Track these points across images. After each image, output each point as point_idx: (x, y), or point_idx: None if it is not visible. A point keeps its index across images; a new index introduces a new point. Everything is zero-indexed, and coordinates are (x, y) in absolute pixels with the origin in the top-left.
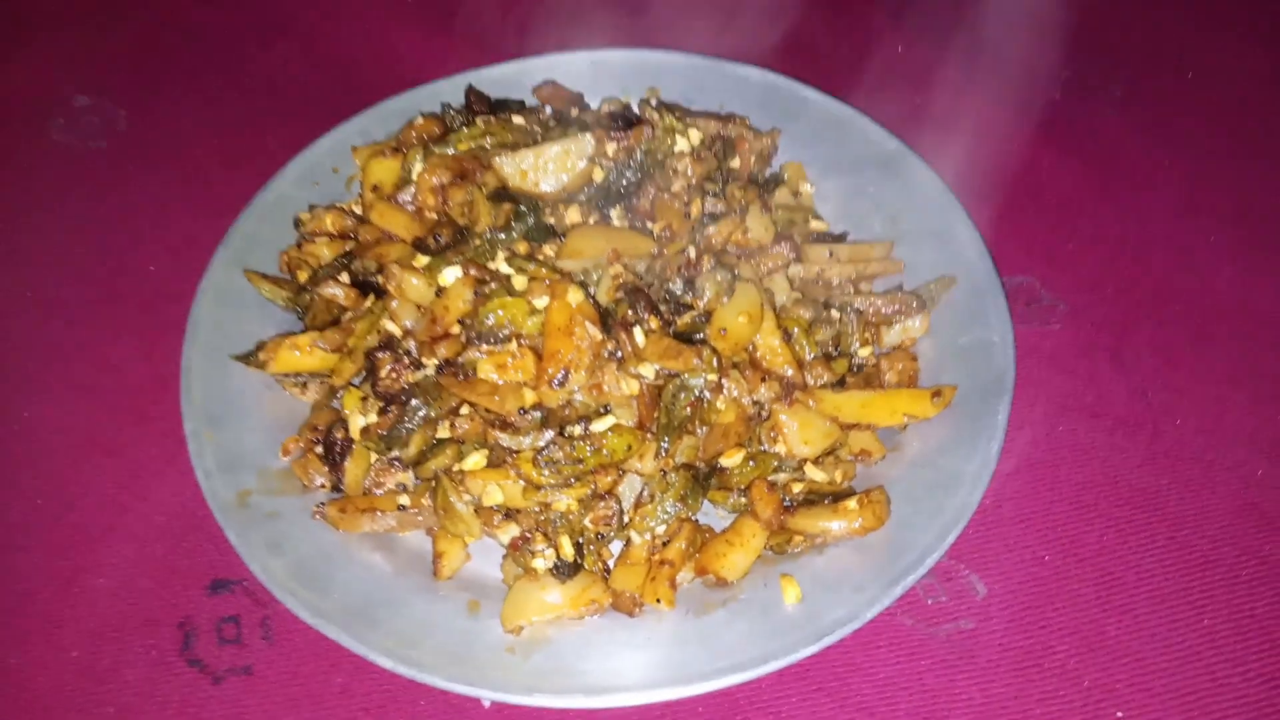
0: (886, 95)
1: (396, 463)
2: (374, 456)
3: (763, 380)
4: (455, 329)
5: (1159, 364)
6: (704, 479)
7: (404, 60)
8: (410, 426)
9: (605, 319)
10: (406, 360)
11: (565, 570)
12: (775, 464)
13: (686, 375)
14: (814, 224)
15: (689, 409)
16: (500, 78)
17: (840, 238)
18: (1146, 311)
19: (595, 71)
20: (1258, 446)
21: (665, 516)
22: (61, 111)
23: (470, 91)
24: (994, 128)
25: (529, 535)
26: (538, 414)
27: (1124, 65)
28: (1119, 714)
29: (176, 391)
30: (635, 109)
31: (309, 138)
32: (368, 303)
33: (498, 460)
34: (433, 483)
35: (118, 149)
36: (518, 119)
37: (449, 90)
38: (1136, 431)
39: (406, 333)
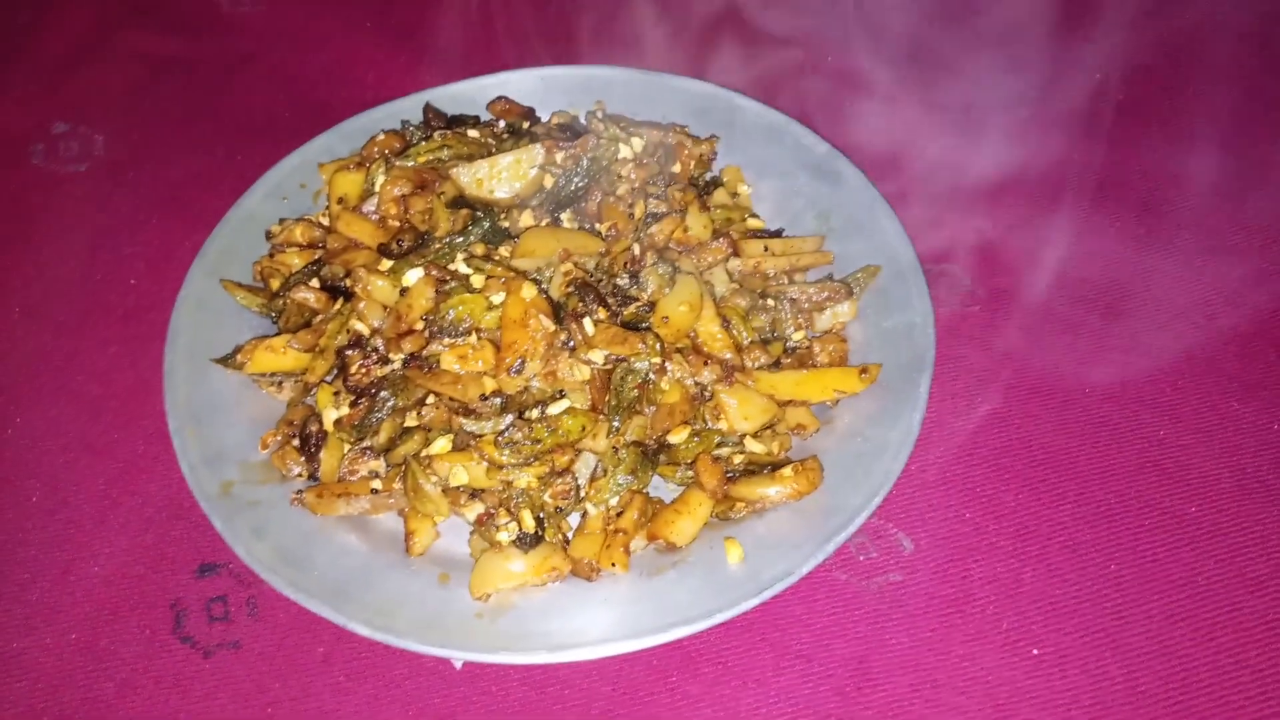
0: (812, 97)
1: (368, 451)
2: (347, 446)
3: (705, 363)
4: (419, 325)
5: (1069, 340)
6: (653, 455)
7: (365, 84)
8: (380, 416)
9: (557, 311)
10: (375, 356)
11: (527, 542)
12: (718, 439)
13: (633, 359)
14: (751, 222)
15: (636, 390)
16: (456, 95)
17: (776, 234)
18: (1057, 293)
19: (545, 87)
20: (1158, 410)
21: (618, 489)
22: (40, 138)
23: (428, 108)
24: (913, 128)
25: (493, 511)
26: (498, 400)
27: (1033, 64)
28: (1035, 651)
29: (160, 394)
30: (583, 120)
31: (276, 157)
32: (337, 305)
33: (462, 444)
34: (402, 467)
35: (96, 172)
36: (473, 132)
37: (408, 108)
38: (1048, 400)
39: (374, 331)
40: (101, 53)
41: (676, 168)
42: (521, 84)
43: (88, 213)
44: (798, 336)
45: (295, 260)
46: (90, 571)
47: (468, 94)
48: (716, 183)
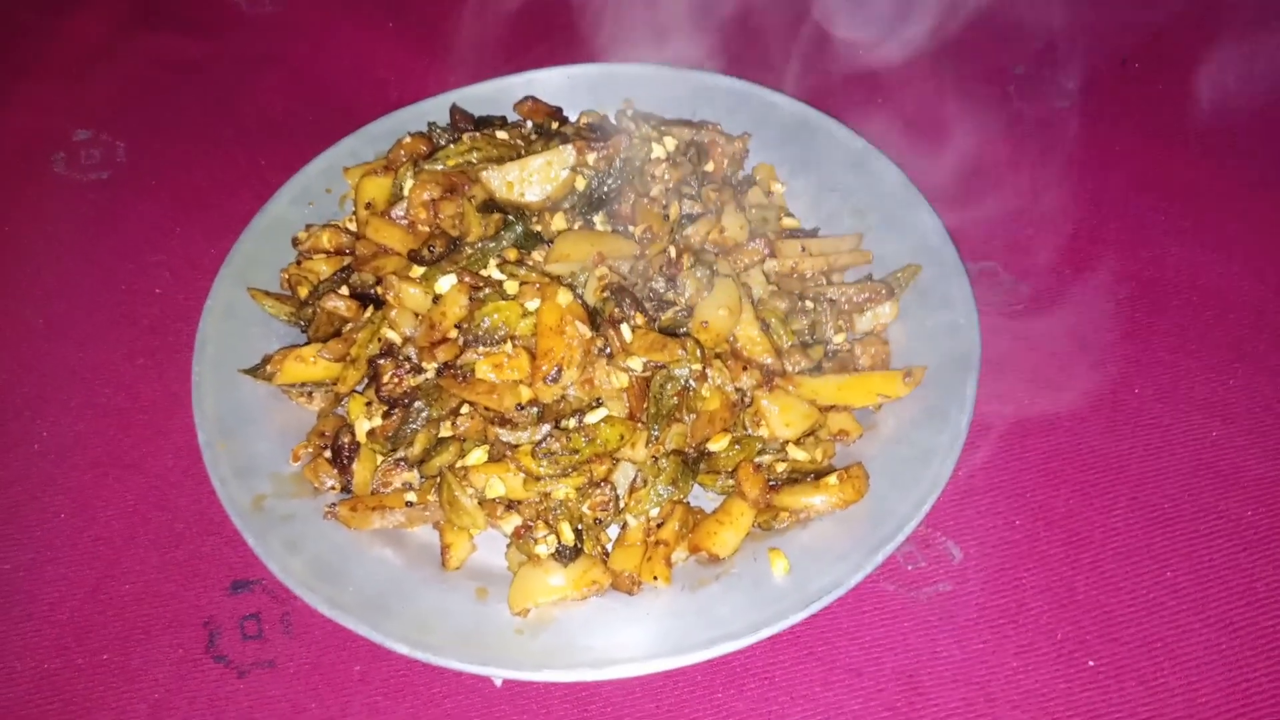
0: (847, 94)
1: (402, 462)
2: (380, 458)
3: (744, 369)
4: (452, 334)
5: (1116, 337)
6: (693, 463)
7: (387, 85)
8: (414, 427)
9: (594, 318)
10: (407, 366)
11: (567, 554)
12: (759, 446)
13: (672, 366)
14: (786, 221)
15: (676, 398)
16: (481, 95)
17: (811, 233)
18: (1103, 289)
19: (571, 85)
20: (1212, 410)
21: (658, 500)
22: (62, 146)
23: (454, 110)
24: (952, 122)
25: (531, 524)
26: (534, 410)
27: (1071, 59)
28: (1090, 662)
29: (189, 406)
30: (612, 120)
31: (301, 161)
32: (368, 313)
33: (498, 455)
34: (437, 479)
35: (118, 179)
36: (501, 134)
37: (433, 110)
38: (1098, 401)
39: (406, 340)
40: (121, 58)
41: (710, 167)
42: (548, 83)
43: (110, 221)
44: (839, 339)
45: (323, 267)
46: (121, 590)
47: (494, 94)
48: (750, 181)
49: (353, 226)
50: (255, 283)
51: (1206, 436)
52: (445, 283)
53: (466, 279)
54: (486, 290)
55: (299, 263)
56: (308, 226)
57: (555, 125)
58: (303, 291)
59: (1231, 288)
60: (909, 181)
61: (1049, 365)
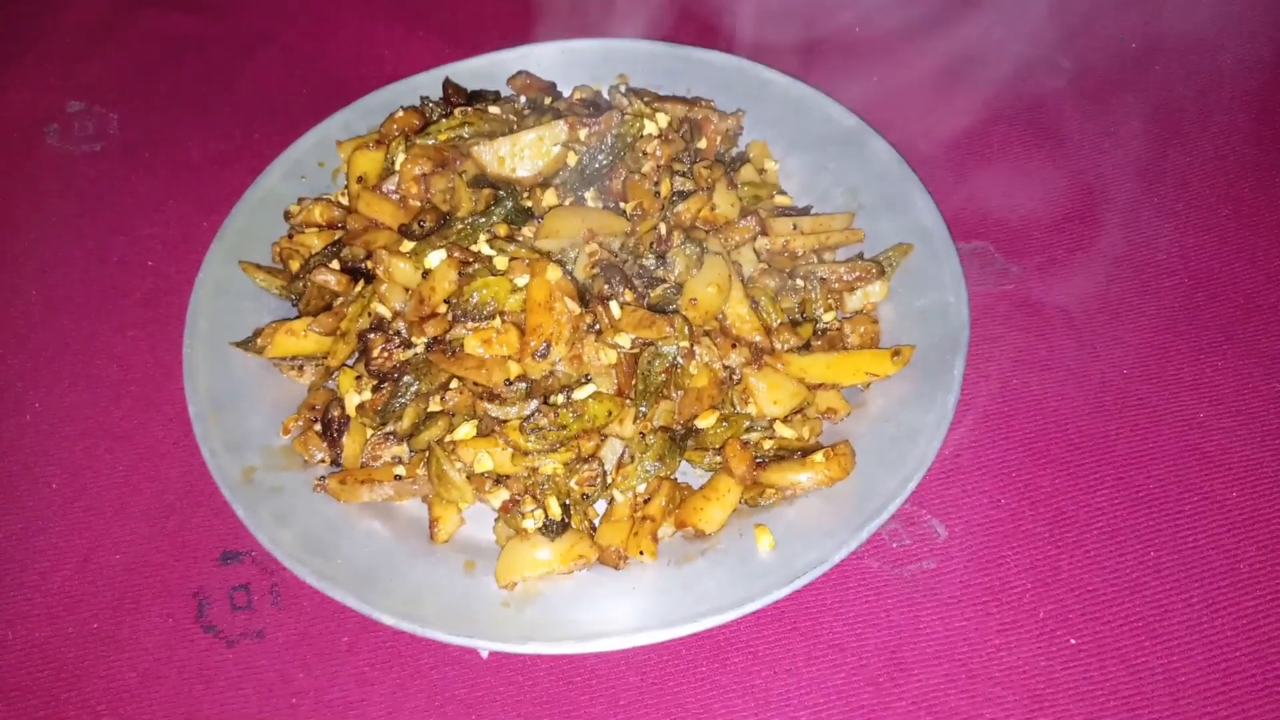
0: (846, 73)
1: (391, 436)
2: (370, 431)
3: (733, 346)
4: (442, 309)
5: (1106, 319)
6: (681, 440)
7: (383, 61)
8: (403, 401)
9: (583, 294)
10: (397, 340)
11: (554, 529)
12: (747, 424)
13: (660, 343)
14: (779, 199)
15: (664, 375)
16: (476, 70)
17: (804, 211)
18: (1094, 271)
19: (566, 61)
20: (1199, 392)
21: (645, 475)
22: (56, 118)
23: (447, 84)
24: (947, 101)
25: (519, 498)
26: (523, 385)
27: (1069, 39)
28: (1072, 640)
29: (180, 379)
30: (605, 95)
31: (294, 135)
32: (358, 288)
33: (487, 430)
34: (426, 453)
35: (112, 152)
36: (494, 109)
37: (427, 84)
38: (1085, 382)
39: (396, 314)
40: (116, 31)
41: (702, 143)
42: (542, 58)
43: (104, 194)
44: (828, 317)
45: (315, 241)
46: (112, 560)
47: (488, 69)
48: (743, 158)
49: (345, 200)
50: (247, 256)
51: (1194, 418)
52: (435, 258)
53: (456, 254)
54: (476, 265)
55: (290, 236)
56: (300, 200)
57: (548, 101)
58: (294, 265)
59: (1223, 271)
60: (903, 161)
61: (1038, 345)
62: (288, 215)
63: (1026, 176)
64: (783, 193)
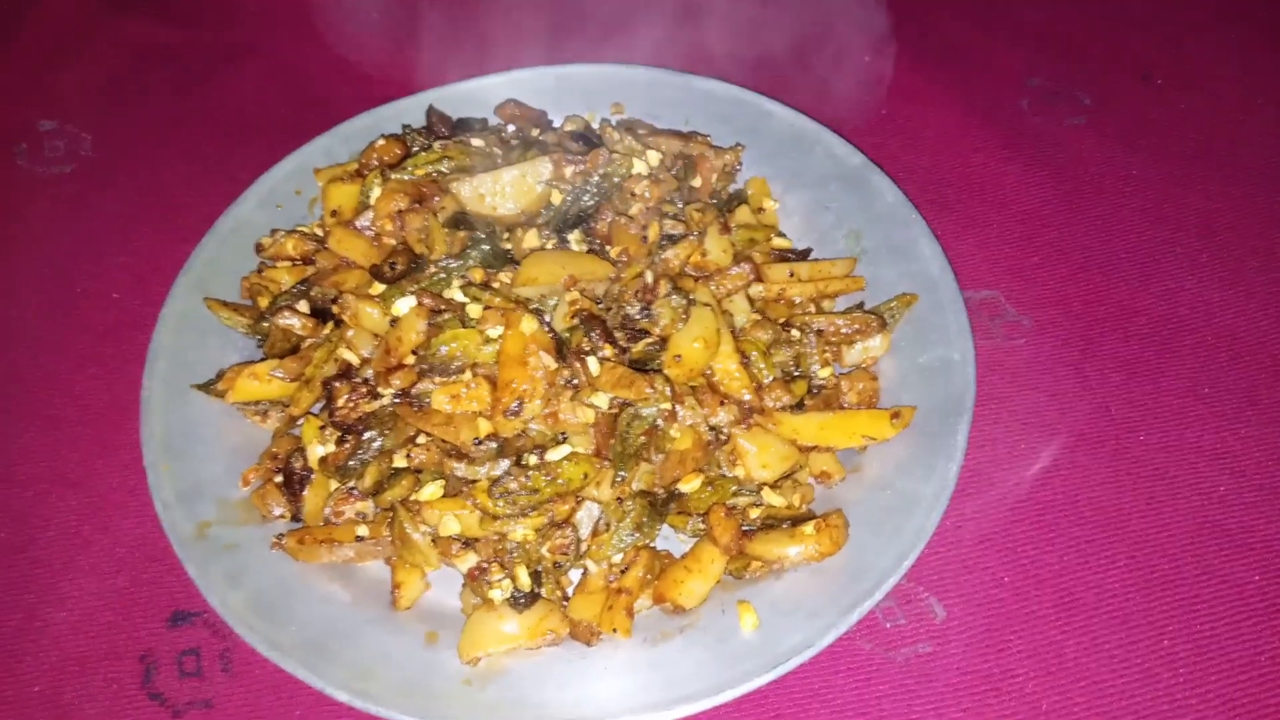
0: (852, 105)
1: (355, 492)
2: (334, 484)
3: (721, 404)
4: (410, 359)
5: (1122, 379)
6: (662, 505)
7: (370, 80)
8: (364, 458)
9: (561, 347)
10: (364, 390)
11: (522, 601)
12: (734, 488)
13: (640, 405)
14: (777, 241)
15: (644, 437)
16: (465, 94)
17: (804, 254)
18: (1111, 326)
19: (559, 86)
20: (1220, 462)
21: (622, 545)
22: (25, 136)
23: (431, 112)
24: (959, 138)
25: (486, 565)
26: (493, 444)
27: (1090, 74)
28: None
29: (139, 420)
30: (597, 126)
31: (274, 158)
32: (326, 330)
33: (454, 490)
34: (390, 513)
35: (82, 173)
36: (477, 141)
37: (412, 108)
38: (1099, 448)
39: (364, 361)
40: (91, 45)
41: (697, 181)
42: (535, 83)
43: (72, 218)
44: (824, 374)
45: (285, 277)
46: (57, 616)
47: (477, 92)
48: (740, 197)
49: (321, 232)
50: (216, 291)
51: (1214, 492)
52: (404, 304)
53: (426, 301)
54: (447, 315)
55: (260, 271)
56: (273, 231)
57: (536, 132)
58: (263, 301)
59: (1247, 329)
60: (908, 202)
61: (1049, 407)
62: (259, 248)
63: (1041, 221)
64: (781, 234)
